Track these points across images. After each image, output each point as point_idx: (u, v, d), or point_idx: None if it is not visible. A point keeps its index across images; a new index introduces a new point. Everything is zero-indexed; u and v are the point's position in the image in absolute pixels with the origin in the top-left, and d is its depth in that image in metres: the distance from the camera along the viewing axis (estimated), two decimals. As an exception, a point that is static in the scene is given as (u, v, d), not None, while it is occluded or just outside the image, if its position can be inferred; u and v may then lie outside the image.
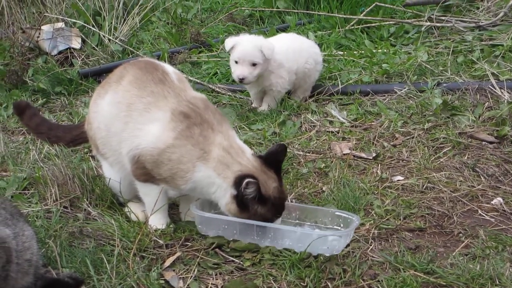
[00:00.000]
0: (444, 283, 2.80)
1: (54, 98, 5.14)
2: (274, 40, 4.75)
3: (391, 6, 6.22)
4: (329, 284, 2.80)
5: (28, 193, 3.54)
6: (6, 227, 2.55)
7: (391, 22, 6.00)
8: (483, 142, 4.09)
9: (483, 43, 5.48)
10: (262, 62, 4.45)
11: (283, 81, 4.63)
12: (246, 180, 2.88)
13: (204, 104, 3.07)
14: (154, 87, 3.05)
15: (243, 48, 4.46)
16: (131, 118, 3.02)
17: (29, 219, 3.19)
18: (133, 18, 6.12)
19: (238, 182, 2.91)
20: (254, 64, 4.44)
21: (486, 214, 3.39)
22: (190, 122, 2.96)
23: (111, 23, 5.92)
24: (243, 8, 6.61)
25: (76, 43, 5.78)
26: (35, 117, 3.66)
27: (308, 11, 6.31)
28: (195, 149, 2.94)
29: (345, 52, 5.47)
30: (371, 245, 3.09)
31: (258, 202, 2.93)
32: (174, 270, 2.88)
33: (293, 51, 4.68)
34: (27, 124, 3.72)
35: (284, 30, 6.13)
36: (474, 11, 6.15)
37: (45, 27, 5.75)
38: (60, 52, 5.75)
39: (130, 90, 3.06)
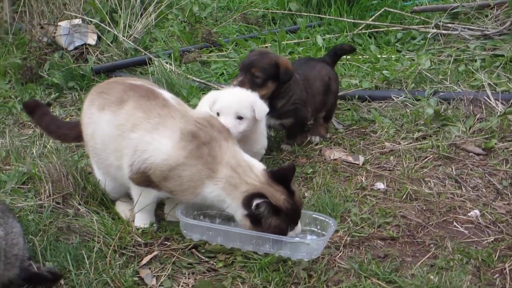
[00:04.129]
0: (402, 293, 2.94)
1: (67, 92, 5.33)
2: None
3: (400, 12, 6.29)
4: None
5: (26, 187, 3.74)
6: None
7: (398, 28, 6.09)
8: (470, 154, 4.19)
9: (484, 53, 5.55)
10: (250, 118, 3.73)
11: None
12: (255, 202, 3.02)
13: (210, 123, 3.21)
14: (160, 111, 3.20)
15: (227, 99, 3.75)
16: (137, 135, 3.16)
17: (22, 213, 3.40)
18: (148, 16, 6.26)
19: (247, 203, 3.06)
20: (240, 118, 3.71)
21: (460, 226, 3.51)
22: (199, 141, 3.11)
23: (127, 20, 6.07)
24: (255, 9, 6.72)
25: (91, 40, 5.97)
26: (45, 117, 3.81)
27: (319, 15, 6.41)
28: (204, 168, 3.10)
29: (349, 57, 5.57)
30: (340, 252, 3.23)
31: (272, 215, 3.07)
32: (150, 268, 3.07)
33: None
34: (38, 123, 3.90)
35: (294, 32, 6.25)
36: (482, 19, 6.19)
37: (62, 23, 5.94)
38: (76, 48, 5.94)
39: (135, 113, 3.20)
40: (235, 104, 3.68)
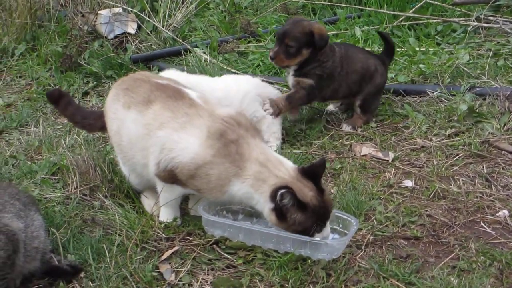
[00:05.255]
0: (420, 295, 2.93)
1: (104, 81, 5.38)
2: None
3: (441, 4, 6.20)
4: (311, 287, 2.97)
5: (55, 178, 3.80)
6: (19, 219, 2.84)
7: (438, 20, 6.00)
8: (503, 152, 4.13)
9: (525, 47, 5.46)
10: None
11: None
12: (280, 191, 3.00)
13: (237, 121, 3.22)
14: (187, 110, 3.21)
15: None
16: (165, 133, 3.18)
17: (50, 204, 3.46)
18: (189, 5, 6.28)
19: (273, 195, 3.05)
20: None
21: (487, 226, 3.47)
22: (226, 140, 3.12)
23: (167, 9, 6.11)
24: (294, 0, 6.69)
25: (131, 29, 6.02)
26: (69, 106, 3.85)
27: (359, 6, 6.36)
28: (232, 166, 3.11)
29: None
30: (362, 251, 3.22)
31: (297, 209, 3.04)
32: (170, 263, 3.10)
33: None
34: (63, 113, 3.96)
35: (334, 23, 6.22)
36: (528, 11, 6.07)
37: (103, 12, 6.00)
38: (116, 37, 6.00)
39: (163, 113, 3.22)
40: None
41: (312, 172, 3.12)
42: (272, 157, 3.16)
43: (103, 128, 3.64)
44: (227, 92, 4.06)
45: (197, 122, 3.16)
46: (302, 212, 3.04)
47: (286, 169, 3.12)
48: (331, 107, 4.74)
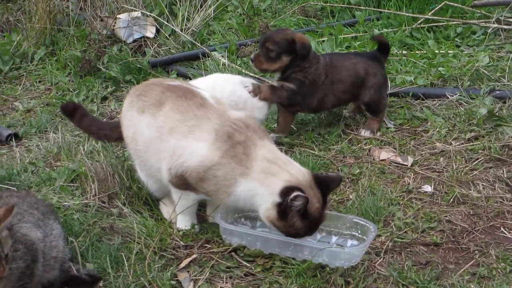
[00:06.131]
0: (439, 303, 2.92)
1: (123, 86, 5.39)
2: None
3: (461, 6, 6.16)
4: (330, 295, 2.96)
5: (74, 186, 3.82)
6: (38, 228, 2.85)
7: (458, 22, 5.96)
8: (523, 156, 4.11)
9: (545, 49, 5.40)
10: None
11: None
12: (296, 193, 3.00)
13: (245, 124, 3.23)
14: (197, 111, 3.23)
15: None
16: (174, 139, 3.21)
17: (68, 212, 3.48)
18: (207, 8, 6.28)
19: (285, 192, 3.04)
20: None
21: (508, 232, 3.45)
22: (233, 141, 3.14)
23: (185, 12, 6.11)
24: (313, 3, 6.65)
25: (150, 33, 6.03)
26: (85, 118, 3.88)
27: (379, 9, 6.33)
28: (238, 166, 3.12)
29: (405, 52, 5.49)
30: (381, 258, 3.21)
31: (300, 216, 3.06)
32: (188, 271, 3.10)
33: None
34: (79, 125, 3.95)
35: (353, 25, 6.19)
36: (549, 13, 6.01)
37: (122, 16, 6.02)
38: (134, 41, 6.01)
39: (172, 116, 3.24)
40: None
41: (325, 184, 3.14)
42: (282, 156, 3.19)
43: (119, 138, 3.66)
44: (213, 89, 4.00)
45: (206, 125, 3.18)
46: (302, 221, 3.06)
47: (300, 169, 3.14)
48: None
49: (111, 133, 3.78)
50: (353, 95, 4.48)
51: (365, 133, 4.44)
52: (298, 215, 3.04)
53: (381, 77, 4.52)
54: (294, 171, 3.11)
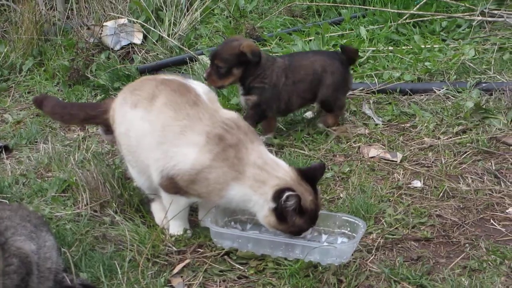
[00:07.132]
0: (431, 298, 2.94)
1: (112, 93, 5.39)
2: None
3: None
4: (323, 294, 2.99)
5: (65, 196, 3.82)
6: (31, 241, 2.86)
7: (443, 16, 6.00)
8: (511, 147, 4.13)
9: (530, 39, 5.43)
10: None
11: None
12: (287, 193, 3.06)
13: (236, 124, 3.25)
14: (190, 110, 3.24)
15: None
16: (166, 139, 3.22)
17: (61, 222, 3.49)
18: (193, 12, 6.29)
19: (277, 195, 3.09)
20: None
21: (497, 224, 3.48)
22: (225, 144, 3.16)
23: (172, 17, 6.12)
24: (298, 2, 6.66)
25: (137, 39, 6.04)
26: (51, 102, 3.86)
27: (364, 6, 6.36)
28: (231, 171, 3.15)
29: (392, 48, 5.52)
30: (372, 255, 3.23)
31: (297, 214, 3.11)
32: (181, 277, 3.12)
33: None
34: (45, 111, 3.91)
35: (339, 23, 6.22)
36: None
37: (108, 23, 6.02)
38: (122, 48, 6.02)
39: (165, 111, 3.25)
40: None
41: (311, 175, 3.20)
42: (270, 159, 3.21)
43: (86, 120, 3.72)
44: None
45: (197, 127, 3.19)
46: (301, 217, 3.11)
47: (285, 170, 3.18)
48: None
49: (77, 113, 3.74)
50: (315, 94, 4.47)
51: (319, 124, 4.52)
52: (295, 213, 3.08)
53: (339, 76, 4.48)
54: (281, 174, 3.15)
